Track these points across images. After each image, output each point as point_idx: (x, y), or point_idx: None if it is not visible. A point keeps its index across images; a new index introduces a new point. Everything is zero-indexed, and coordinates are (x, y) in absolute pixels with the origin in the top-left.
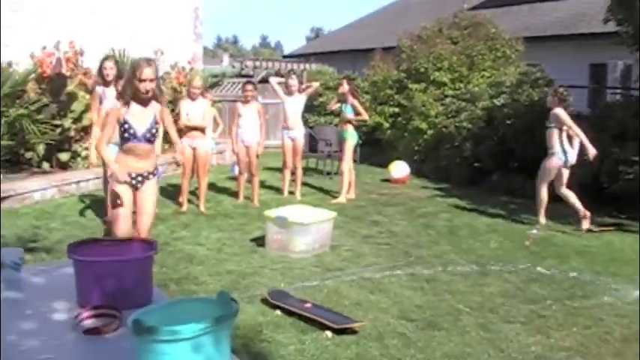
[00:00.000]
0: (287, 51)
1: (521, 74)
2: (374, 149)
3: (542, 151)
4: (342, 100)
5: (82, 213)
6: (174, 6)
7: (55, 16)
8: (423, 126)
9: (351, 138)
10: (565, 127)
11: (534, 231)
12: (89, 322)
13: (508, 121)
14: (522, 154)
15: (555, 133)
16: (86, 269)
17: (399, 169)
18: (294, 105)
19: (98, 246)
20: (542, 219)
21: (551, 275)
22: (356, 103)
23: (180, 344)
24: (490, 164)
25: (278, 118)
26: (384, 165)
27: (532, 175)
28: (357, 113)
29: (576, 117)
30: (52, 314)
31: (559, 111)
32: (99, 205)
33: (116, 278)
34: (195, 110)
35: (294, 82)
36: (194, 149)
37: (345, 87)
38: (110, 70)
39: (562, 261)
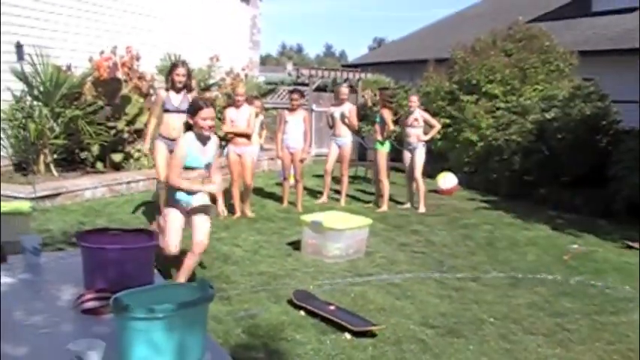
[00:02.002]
0: (351, 61)
1: (574, 88)
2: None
3: (593, 165)
4: (375, 111)
5: (127, 212)
6: (231, 14)
7: (114, 22)
8: (474, 138)
9: (382, 148)
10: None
11: (575, 245)
12: (90, 304)
13: (559, 135)
14: (572, 169)
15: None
16: (92, 255)
17: (447, 180)
18: (342, 113)
19: (105, 235)
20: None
21: (582, 290)
22: (385, 113)
23: (154, 322)
24: (539, 178)
25: None
26: (434, 176)
27: (582, 190)
28: (385, 123)
29: (627, 133)
30: (60, 295)
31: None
32: (145, 205)
33: (118, 264)
34: (240, 117)
35: (345, 90)
36: (239, 156)
37: (376, 97)
38: (182, 77)
39: (598, 276)
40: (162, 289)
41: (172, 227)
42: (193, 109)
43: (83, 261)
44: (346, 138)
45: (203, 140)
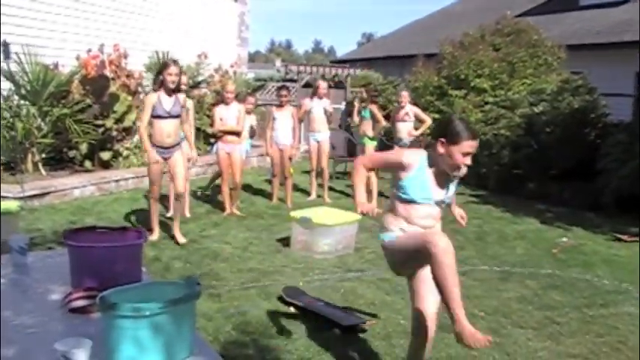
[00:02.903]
0: (339, 57)
1: (563, 82)
2: None
3: (581, 159)
4: (363, 107)
5: (116, 210)
6: (219, 11)
7: (101, 19)
8: None
9: (370, 143)
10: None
11: (564, 239)
12: (78, 303)
13: (547, 129)
14: (561, 162)
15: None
16: (79, 254)
17: None
18: (320, 108)
19: (92, 233)
20: None
21: (572, 283)
22: (374, 108)
23: (140, 320)
24: (528, 172)
25: None
26: None
27: (571, 183)
28: (374, 118)
29: (616, 126)
30: (48, 294)
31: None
32: (134, 202)
33: (106, 263)
34: (230, 115)
35: (324, 84)
36: (228, 154)
37: (363, 94)
38: (175, 77)
39: (588, 269)
40: (149, 287)
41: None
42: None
43: (70, 260)
44: (324, 133)
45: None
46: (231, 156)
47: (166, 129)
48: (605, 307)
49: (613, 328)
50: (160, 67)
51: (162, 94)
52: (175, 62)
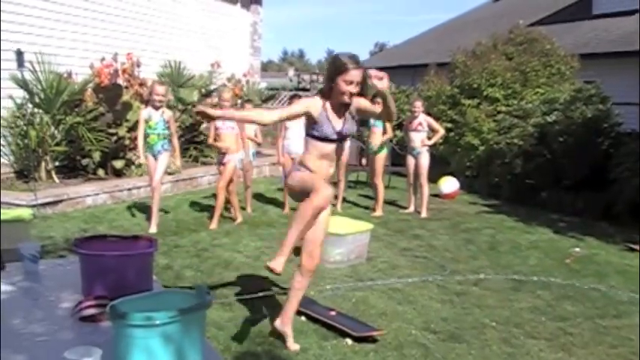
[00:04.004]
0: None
1: (575, 91)
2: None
3: (594, 168)
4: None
5: (129, 218)
6: (232, 20)
7: (114, 28)
8: (476, 142)
9: (382, 151)
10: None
11: (577, 249)
12: (88, 311)
13: (560, 139)
14: (574, 172)
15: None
16: (89, 262)
17: (449, 184)
18: None
19: (103, 241)
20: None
21: (584, 293)
22: None
23: (151, 330)
24: (541, 181)
25: None
26: (436, 180)
27: (583, 193)
28: (385, 127)
29: (629, 135)
30: (58, 303)
31: None
32: (146, 211)
33: (117, 271)
34: (225, 123)
35: None
36: (224, 164)
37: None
38: (355, 89)
39: (601, 279)
40: (159, 296)
41: None
42: None
43: (81, 268)
44: (345, 143)
45: None
46: (225, 165)
47: (331, 154)
48: (618, 317)
49: (626, 339)
50: (334, 69)
51: (329, 106)
52: (357, 62)
